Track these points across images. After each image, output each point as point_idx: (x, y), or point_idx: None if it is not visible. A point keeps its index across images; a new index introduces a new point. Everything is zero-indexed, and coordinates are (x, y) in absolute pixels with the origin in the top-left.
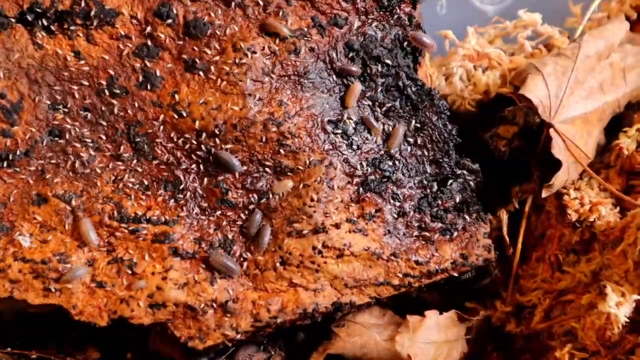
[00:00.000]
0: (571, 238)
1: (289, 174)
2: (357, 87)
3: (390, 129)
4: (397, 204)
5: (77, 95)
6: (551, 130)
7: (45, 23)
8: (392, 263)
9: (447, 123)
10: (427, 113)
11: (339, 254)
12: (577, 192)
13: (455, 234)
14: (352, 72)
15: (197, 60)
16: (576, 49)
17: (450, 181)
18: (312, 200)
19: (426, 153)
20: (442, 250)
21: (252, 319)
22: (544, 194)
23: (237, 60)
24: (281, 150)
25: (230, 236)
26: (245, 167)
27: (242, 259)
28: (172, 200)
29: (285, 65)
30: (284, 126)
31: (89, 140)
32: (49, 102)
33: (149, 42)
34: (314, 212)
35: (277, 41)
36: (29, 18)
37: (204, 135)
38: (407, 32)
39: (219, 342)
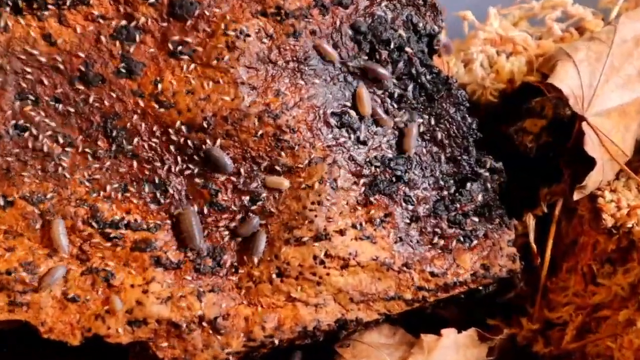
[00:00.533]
0: (607, 246)
1: (286, 173)
2: (364, 92)
3: (402, 121)
4: (410, 207)
5: (47, 84)
6: (584, 124)
7: (12, 2)
8: (404, 275)
9: (467, 116)
10: (444, 104)
11: (344, 264)
12: (613, 194)
13: (476, 241)
14: (381, 75)
15: (182, 44)
16: (611, 33)
17: (470, 182)
18: (313, 203)
19: (443, 150)
20: (460, 260)
21: (245, 338)
22: (576, 197)
23: (228, 45)
24: (278, 147)
25: (220, 244)
26: (237, 166)
27: (233, 270)
28: (154, 203)
29: (283, 50)
30: (281, 119)
31: (60, 135)
32: (15, 92)
33: (129, 24)
34: (315, 216)
35: (274, 23)
36: None
37: (190, 129)
38: (420, 12)
39: None
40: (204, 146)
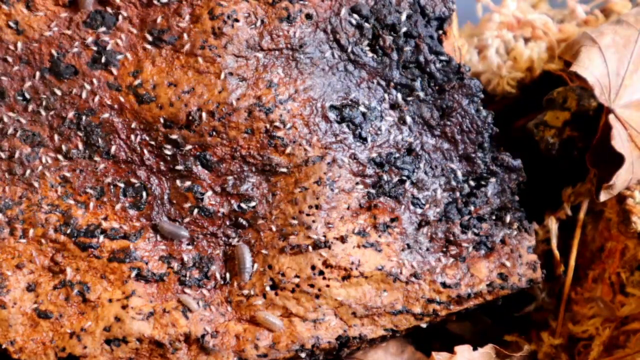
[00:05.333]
0: (637, 252)
1: (281, 173)
2: None
3: (409, 115)
4: (419, 211)
5: (13, 77)
6: (611, 117)
7: None
8: (412, 286)
9: (481, 108)
10: (456, 96)
11: (346, 274)
12: None
13: (492, 248)
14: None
15: (164, 31)
16: None
17: (486, 182)
18: (310, 207)
19: (455, 146)
20: (475, 269)
21: (236, 358)
22: (603, 198)
23: (214, 31)
24: (271, 144)
25: (207, 253)
26: (225, 166)
27: (222, 282)
28: (134, 209)
29: (276, 36)
30: (274, 113)
31: (29, 133)
32: None
33: (104, 9)
34: (313, 222)
35: (265, 6)
36: None
37: (173, 125)
38: None
39: None
40: (187, 145)
